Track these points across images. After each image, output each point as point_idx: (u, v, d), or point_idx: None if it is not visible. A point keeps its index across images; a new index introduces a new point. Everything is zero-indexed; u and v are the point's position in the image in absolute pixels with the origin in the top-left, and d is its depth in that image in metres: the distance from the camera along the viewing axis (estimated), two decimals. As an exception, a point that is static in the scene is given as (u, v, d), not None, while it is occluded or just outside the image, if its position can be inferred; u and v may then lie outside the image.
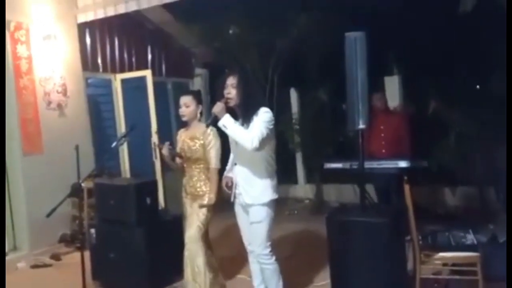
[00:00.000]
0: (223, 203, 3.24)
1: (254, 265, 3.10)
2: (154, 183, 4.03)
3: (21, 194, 4.74)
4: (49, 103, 5.10)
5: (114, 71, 6.14)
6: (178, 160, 3.39)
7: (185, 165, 3.38)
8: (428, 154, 4.78)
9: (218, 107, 2.77)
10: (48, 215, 2.83)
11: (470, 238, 3.13)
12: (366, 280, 2.96)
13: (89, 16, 5.46)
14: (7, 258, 4.47)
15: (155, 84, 6.09)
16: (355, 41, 3.03)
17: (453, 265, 3.07)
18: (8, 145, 4.67)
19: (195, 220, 3.28)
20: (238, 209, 3.07)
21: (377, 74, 5.84)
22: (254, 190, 2.89)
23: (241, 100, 2.82)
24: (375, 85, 4.91)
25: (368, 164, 3.68)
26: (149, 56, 6.76)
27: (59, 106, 5.21)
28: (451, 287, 3.19)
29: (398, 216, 3.07)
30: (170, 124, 6.93)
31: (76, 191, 3.21)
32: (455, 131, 5.33)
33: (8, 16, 4.65)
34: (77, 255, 4.22)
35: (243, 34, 6.58)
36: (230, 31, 6.71)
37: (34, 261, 4.63)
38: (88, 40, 5.80)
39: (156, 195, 3.92)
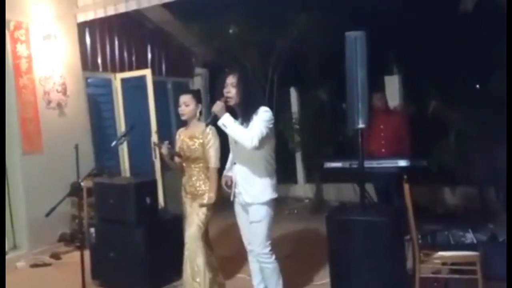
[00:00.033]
0: (223, 202, 3.25)
1: (253, 264, 3.10)
2: (154, 182, 4.03)
3: (21, 193, 4.74)
4: (49, 102, 5.10)
5: (114, 70, 6.14)
6: (177, 159, 3.39)
7: (184, 165, 3.37)
8: (428, 154, 4.78)
9: (217, 106, 2.77)
10: (48, 214, 2.83)
11: (470, 237, 3.13)
12: (366, 279, 2.96)
13: (89, 16, 5.46)
14: (6, 257, 4.46)
15: (155, 84, 6.09)
16: (355, 41, 3.03)
17: (453, 264, 3.06)
18: (7, 144, 4.67)
19: (195, 220, 3.27)
20: (237, 208, 3.07)
21: (377, 74, 5.85)
22: (253, 189, 2.89)
23: (241, 99, 2.82)
24: (375, 85, 4.91)
25: (368, 164, 3.68)
26: (149, 56, 6.76)
27: (59, 105, 5.21)
28: (451, 286, 3.19)
29: (397, 215, 3.07)
30: (170, 123, 6.93)
31: (75, 190, 3.22)
32: (455, 131, 5.33)
33: (7, 15, 4.65)
34: (76, 254, 4.23)
35: (243, 33, 6.58)
36: (230, 31, 6.71)
37: (34, 260, 4.63)
38: (88, 39, 5.80)
39: (156, 195, 3.92)
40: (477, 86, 6.02)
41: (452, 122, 5.35)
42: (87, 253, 3.64)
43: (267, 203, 2.89)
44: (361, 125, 3.09)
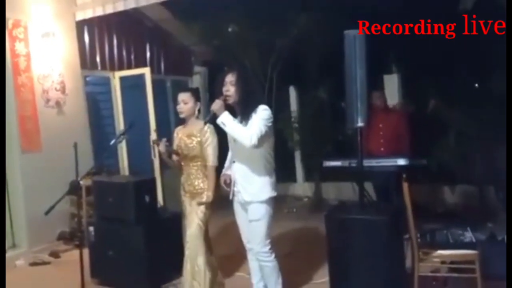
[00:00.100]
0: (222, 201, 3.24)
1: (253, 263, 3.10)
2: (153, 181, 4.03)
3: (20, 191, 4.73)
4: (48, 100, 5.09)
5: (112, 68, 6.13)
6: (174, 157, 3.38)
7: (182, 163, 3.37)
8: (427, 153, 4.78)
9: (216, 104, 2.77)
10: (47, 212, 2.83)
11: (469, 236, 3.13)
12: (365, 277, 2.96)
13: (87, 14, 5.45)
14: (5, 255, 4.45)
15: (154, 82, 6.08)
16: (354, 39, 3.02)
17: (452, 263, 3.06)
18: (6, 143, 4.66)
19: (194, 219, 3.27)
20: (237, 207, 3.06)
21: (376, 72, 5.84)
22: (252, 188, 2.88)
23: (240, 98, 2.82)
24: (375, 83, 4.91)
25: (367, 162, 3.67)
26: (148, 54, 6.75)
27: (58, 103, 5.20)
28: (450, 285, 3.19)
29: (396, 214, 3.07)
30: (169, 122, 6.92)
31: (74, 188, 3.22)
32: (454, 130, 5.33)
33: (6, 13, 4.63)
34: (75, 252, 4.22)
35: (242, 32, 6.57)
36: (229, 29, 6.70)
37: (33, 258, 4.63)
38: (86, 37, 5.79)
39: (155, 193, 3.92)
40: (476, 85, 6.01)
41: (451, 121, 5.35)
42: (86, 252, 3.64)
43: (266, 202, 2.89)
44: (360, 124, 3.09)
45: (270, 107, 2.87)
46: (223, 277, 3.53)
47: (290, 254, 4.13)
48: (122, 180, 4.18)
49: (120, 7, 5.20)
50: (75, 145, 3.31)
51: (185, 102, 3.27)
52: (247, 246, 3.08)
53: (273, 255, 2.96)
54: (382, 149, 4.73)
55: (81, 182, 3.23)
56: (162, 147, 3.26)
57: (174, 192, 3.70)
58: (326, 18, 5.94)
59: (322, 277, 3.53)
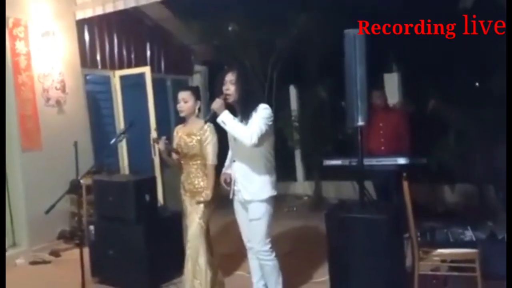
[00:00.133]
0: (222, 200, 3.24)
1: (253, 262, 3.10)
2: (153, 179, 4.03)
3: (20, 190, 4.74)
4: (48, 99, 5.10)
5: (113, 67, 6.13)
6: (174, 156, 3.38)
7: (182, 162, 3.36)
8: (427, 152, 4.78)
9: (217, 103, 2.77)
10: (47, 211, 2.83)
11: (469, 234, 3.13)
12: (365, 276, 2.96)
13: (87, 13, 5.45)
14: (6, 254, 4.46)
15: (154, 81, 6.08)
16: (354, 38, 3.02)
17: (452, 261, 3.06)
18: (7, 142, 4.67)
19: (195, 218, 3.27)
20: (237, 206, 3.06)
21: (376, 71, 5.84)
22: (253, 187, 2.88)
23: (240, 97, 2.82)
24: (375, 82, 4.90)
25: (367, 161, 3.67)
26: (148, 53, 6.75)
27: (58, 102, 5.20)
28: (450, 284, 3.20)
29: (397, 213, 3.08)
30: (169, 121, 6.93)
31: (75, 187, 3.21)
32: (454, 130, 5.33)
33: (6, 12, 4.63)
34: (76, 251, 4.23)
35: (242, 31, 6.58)
36: (230, 28, 6.70)
37: (33, 257, 4.63)
38: (86, 36, 5.79)
39: (155, 192, 3.92)
40: (477, 84, 6.01)
41: (451, 120, 5.35)
42: (86, 251, 3.64)
43: (266, 201, 2.89)
44: (360, 123, 3.09)
45: (270, 106, 2.87)
46: (223, 276, 3.53)
47: (290, 253, 4.13)
48: (122, 179, 4.18)
49: (120, 6, 5.21)
50: (75, 144, 3.31)
51: (185, 101, 3.27)
52: (247, 245, 3.08)
53: (273, 254, 2.96)
54: (382, 148, 4.73)
55: (82, 181, 3.22)
56: (161, 145, 3.26)
57: (174, 191, 3.70)
58: (326, 18, 5.94)
59: (322, 276, 3.53)
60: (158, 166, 5.81)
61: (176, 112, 3.45)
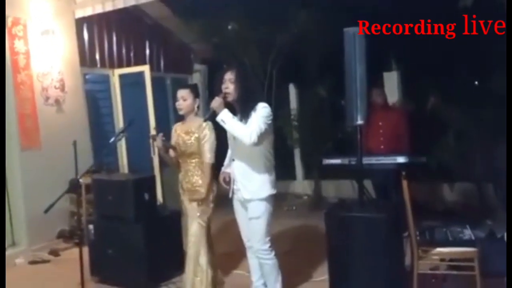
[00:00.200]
0: (222, 199, 3.24)
1: (252, 261, 3.11)
2: (152, 178, 4.03)
3: (19, 189, 4.73)
4: (47, 98, 5.09)
5: (112, 66, 6.12)
6: (172, 153, 3.37)
7: (180, 160, 3.36)
8: (427, 151, 4.78)
9: (216, 102, 2.77)
10: (46, 210, 2.83)
11: (468, 233, 3.13)
12: (364, 275, 2.97)
13: (87, 11, 5.44)
14: (5, 254, 4.46)
15: (154, 80, 6.08)
16: (354, 37, 3.02)
17: (451, 260, 3.07)
18: (6, 141, 4.66)
19: (195, 217, 3.27)
20: (236, 205, 3.06)
21: (376, 70, 5.84)
22: (252, 185, 2.89)
23: (239, 95, 2.82)
24: (374, 81, 4.90)
25: (366, 160, 3.67)
26: (147, 52, 6.74)
27: (57, 101, 5.19)
28: (449, 282, 3.20)
29: (396, 211, 3.08)
30: (169, 119, 6.91)
31: (74, 187, 3.22)
32: (454, 129, 5.33)
33: (6, 11, 4.62)
34: (75, 250, 4.22)
35: (242, 30, 6.57)
36: (229, 27, 6.70)
37: (33, 256, 4.63)
38: (86, 35, 5.78)
39: (154, 191, 3.93)
40: (476, 82, 6.01)
41: (451, 120, 5.35)
42: (86, 250, 3.64)
43: (266, 199, 2.89)
44: (359, 122, 3.08)
45: (270, 104, 2.87)
46: (222, 275, 3.53)
47: (290, 252, 4.13)
48: (122, 178, 4.18)
49: (120, 5, 5.19)
50: (75, 143, 3.31)
51: (184, 99, 3.26)
52: (247, 244, 3.08)
53: (273, 253, 2.97)
54: (381, 146, 4.72)
55: (81, 180, 3.23)
56: (158, 142, 3.25)
57: (174, 190, 3.69)
58: (326, 17, 5.95)
59: (321, 275, 3.53)
60: (157, 165, 5.81)
61: (176, 111, 3.45)
